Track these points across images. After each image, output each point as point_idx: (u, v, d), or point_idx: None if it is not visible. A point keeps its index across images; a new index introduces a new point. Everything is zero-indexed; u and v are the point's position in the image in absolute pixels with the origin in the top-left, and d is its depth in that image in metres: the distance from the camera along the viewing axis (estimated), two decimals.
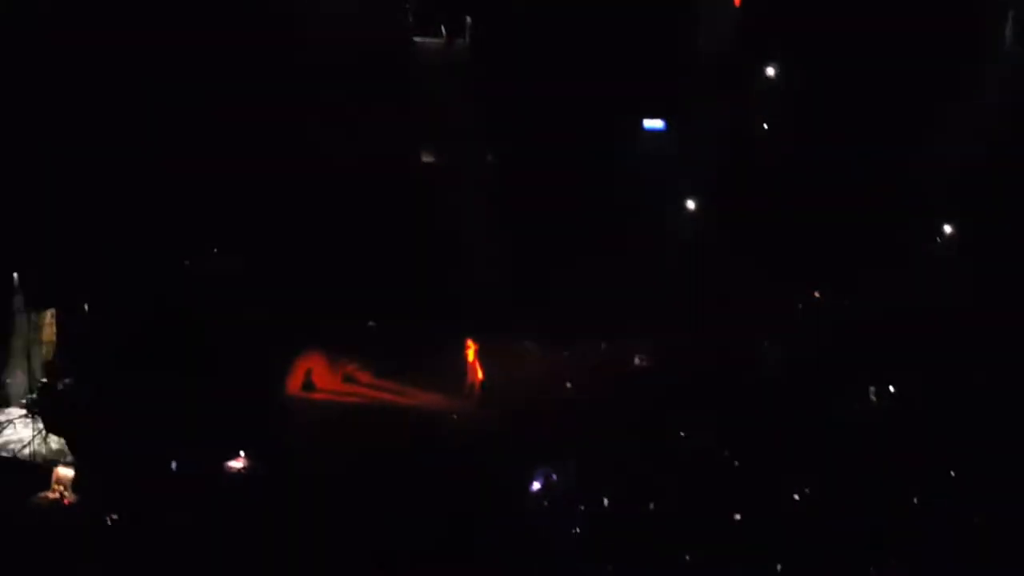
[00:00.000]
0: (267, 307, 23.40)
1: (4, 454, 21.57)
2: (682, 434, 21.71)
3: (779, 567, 16.85)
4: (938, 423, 21.77)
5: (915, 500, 18.95)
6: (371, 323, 26.55)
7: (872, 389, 24.04)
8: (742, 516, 18.20)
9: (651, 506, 18.72)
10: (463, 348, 25.77)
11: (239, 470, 20.92)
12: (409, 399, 24.81)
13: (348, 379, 25.85)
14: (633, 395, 24.25)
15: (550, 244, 27.16)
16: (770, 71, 28.83)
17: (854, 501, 18.69)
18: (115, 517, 18.43)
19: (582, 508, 18.79)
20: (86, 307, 23.35)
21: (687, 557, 17.16)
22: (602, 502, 18.94)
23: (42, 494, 19.80)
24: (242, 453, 21.02)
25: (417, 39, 28.12)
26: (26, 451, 21.50)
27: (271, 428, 21.68)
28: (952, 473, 19.92)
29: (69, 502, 19.67)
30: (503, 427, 22.75)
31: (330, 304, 24.86)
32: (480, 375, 25.60)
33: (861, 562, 17.02)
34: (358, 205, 26.07)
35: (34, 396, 22.81)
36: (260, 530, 17.33)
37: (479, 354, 25.73)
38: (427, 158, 28.33)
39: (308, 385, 25.13)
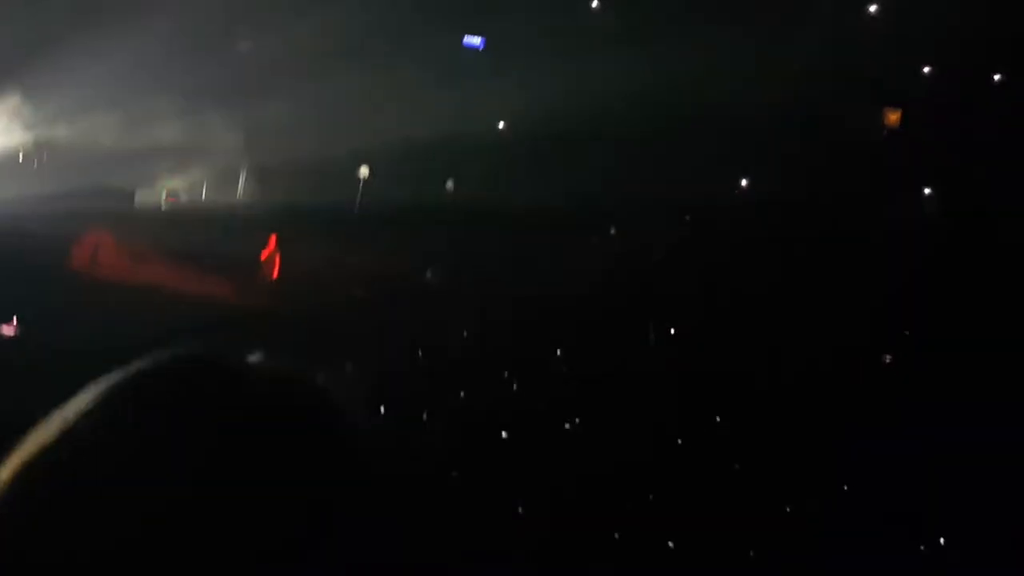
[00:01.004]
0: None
1: None
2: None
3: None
4: None
5: None
6: (166, 203, 25.92)
7: None
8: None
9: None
10: (265, 243, 25.31)
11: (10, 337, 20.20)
12: (199, 285, 24.24)
13: (138, 259, 25.13)
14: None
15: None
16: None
17: None
18: None
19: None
20: None
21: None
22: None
23: None
24: (14, 319, 20.29)
25: None
26: None
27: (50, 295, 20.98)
28: None
29: None
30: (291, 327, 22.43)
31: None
32: (276, 273, 25.16)
33: None
34: None
35: None
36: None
37: (280, 253, 25.27)
38: None
39: (94, 262, 24.35)
